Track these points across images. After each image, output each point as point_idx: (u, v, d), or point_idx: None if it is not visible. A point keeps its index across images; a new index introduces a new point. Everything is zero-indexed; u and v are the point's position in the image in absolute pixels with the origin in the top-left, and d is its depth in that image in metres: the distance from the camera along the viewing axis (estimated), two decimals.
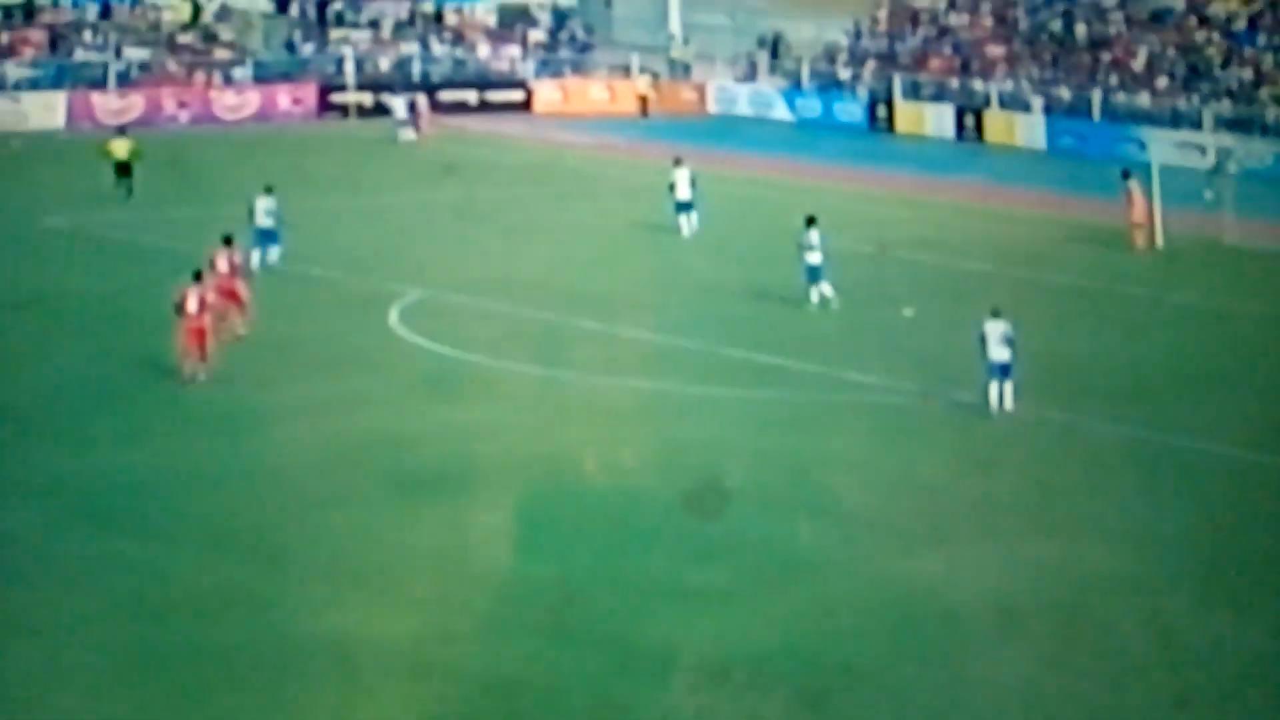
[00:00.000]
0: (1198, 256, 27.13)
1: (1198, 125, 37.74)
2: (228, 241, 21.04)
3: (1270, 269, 26.37)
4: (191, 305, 18.70)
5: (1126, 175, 27.69)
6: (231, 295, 20.56)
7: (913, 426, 17.50)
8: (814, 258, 22.21)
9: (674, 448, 16.49)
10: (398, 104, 39.13)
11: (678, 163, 27.45)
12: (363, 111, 41.81)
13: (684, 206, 27.04)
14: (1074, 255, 27.22)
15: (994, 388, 17.29)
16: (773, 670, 11.54)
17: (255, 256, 23.19)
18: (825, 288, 22.09)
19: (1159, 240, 27.48)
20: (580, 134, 40.25)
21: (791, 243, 23.37)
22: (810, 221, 22.43)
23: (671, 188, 27.29)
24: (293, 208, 28.77)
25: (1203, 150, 35.75)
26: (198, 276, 19.31)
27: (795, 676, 11.48)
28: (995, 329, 17.32)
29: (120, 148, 28.74)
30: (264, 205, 23.71)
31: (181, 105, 38.23)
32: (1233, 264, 26.74)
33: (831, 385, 18.98)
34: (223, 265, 20.66)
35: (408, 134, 38.03)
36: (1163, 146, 32.64)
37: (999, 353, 17.15)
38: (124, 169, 28.42)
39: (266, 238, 23.54)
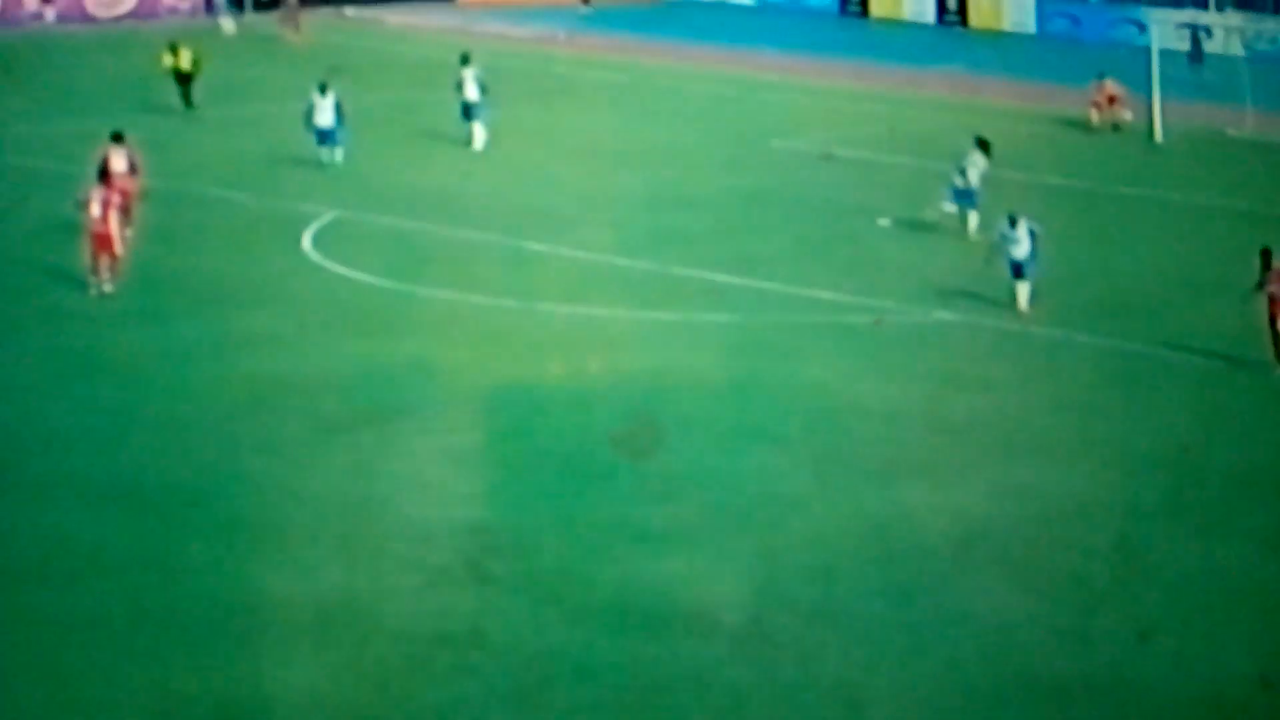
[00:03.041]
0: (1200, 151, 27.77)
1: (1203, 3, 38.17)
2: (117, 139, 21.04)
3: (1276, 163, 27.05)
4: (95, 209, 19.10)
5: (1101, 77, 28.94)
6: (126, 197, 20.63)
7: (882, 348, 18.04)
8: (965, 181, 22.23)
9: (627, 378, 16.89)
10: None
11: (465, 60, 27.30)
12: (259, 5, 41.16)
13: (471, 110, 26.84)
14: (1067, 153, 27.77)
15: (1016, 287, 18.82)
16: (739, 614, 12.11)
17: (324, 154, 24.93)
18: (973, 218, 21.89)
19: (1158, 133, 28.11)
20: (514, 25, 39.97)
21: (744, 146, 23.30)
22: (983, 146, 22.55)
23: (459, 87, 27.07)
24: (179, 117, 28.66)
25: (1208, 31, 36.25)
26: (103, 176, 19.81)
27: (763, 620, 12.06)
28: (1016, 232, 18.85)
29: (183, 58, 29.50)
30: (322, 102, 24.97)
31: (46, 1, 37.41)
32: (1236, 158, 27.37)
33: (799, 305, 19.45)
34: (119, 164, 20.76)
35: (229, 24, 37.08)
36: (1164, 28, 33.06)
37: (1019, 252, 18.79)
38: (184, 79, 29.22)
39: (326, 137, 24.91)
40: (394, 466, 14.73)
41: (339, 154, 24.86)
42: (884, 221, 23.00)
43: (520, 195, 24.60)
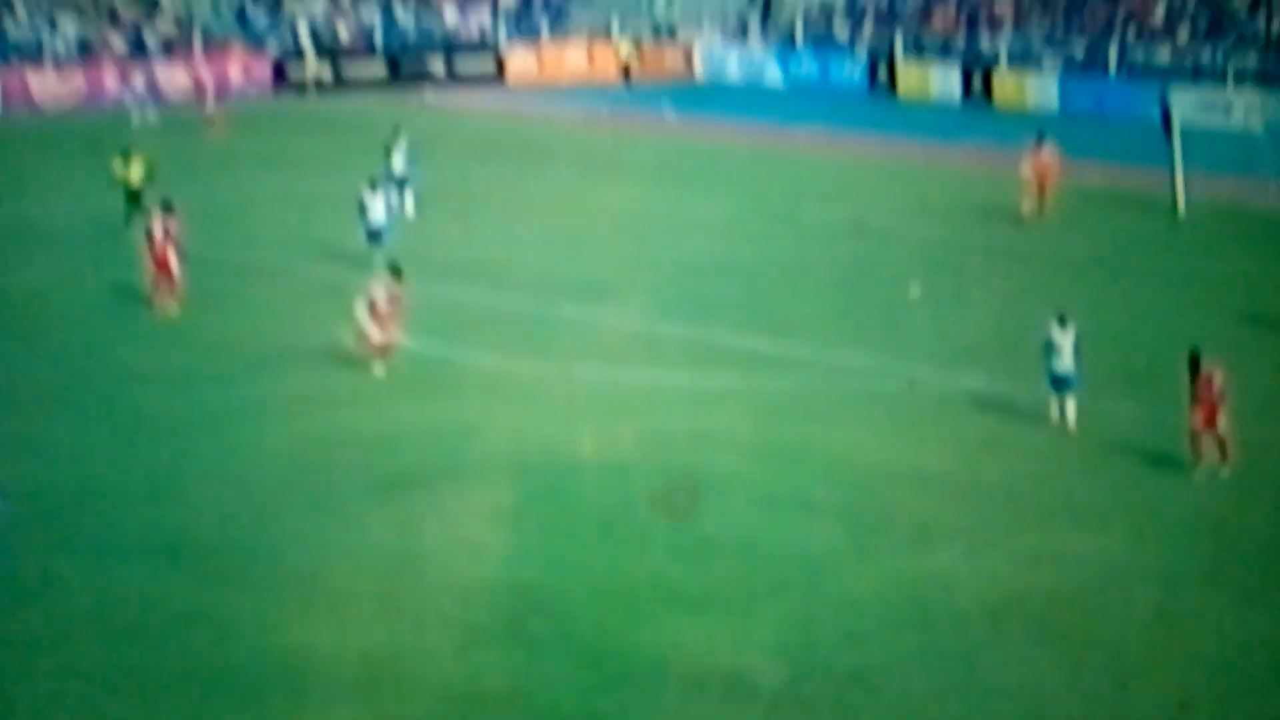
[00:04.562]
0: (1223, 224, 27.33)
1: (1221, 80, 37.89)
2: (167, 208, 21.33)
3: None
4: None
5: (1041, 137, 27.18)
6: (162, 267, 20.77)
7: (915, 413, 17.61)
8: None
9: (664, 442, 16.58)
10: (132, 71, 37.17)
11: (396, 132, 27.17)
12: (320, 85, 41.75)
13: (401, 181, 26.43)
14: (1093, 223, 27.38)
15: (1055, 403, 16.44)
16: (775, 679, 11.67)
17: (374, 255, 22.97)
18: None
19: (1181, 206, 27.67)
20: (561, 104, 40.22)
21: (778, 217, 23.00)
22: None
23: (387, 155, 26.81)
24: (241, 189, 28.87)
25: (1227, 108, 35.92)
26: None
27: (799, 685, 11.61)
28: (1063, 339, 16.38)
29: (133, 172, 25.06)
30: (373, 199, 23.56)
31: (125, 83, 38.03)
32: (1260, 231, 26.93)
33: (832, 371, 19.09)
34: (157, 232, 21.05)
35: (148, 114, 35.47)
36: (1184, 105, 32.74)
37: (1063, 365, 16.40)
38: (133, 195, 24.82)
39: (376, 236, 23.48)
40: (439, 525, 14.43)
41: (383, 254, 23.05)
42: (915, 290, 22.65)
43: (562, 264, 24.45)
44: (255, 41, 42.66)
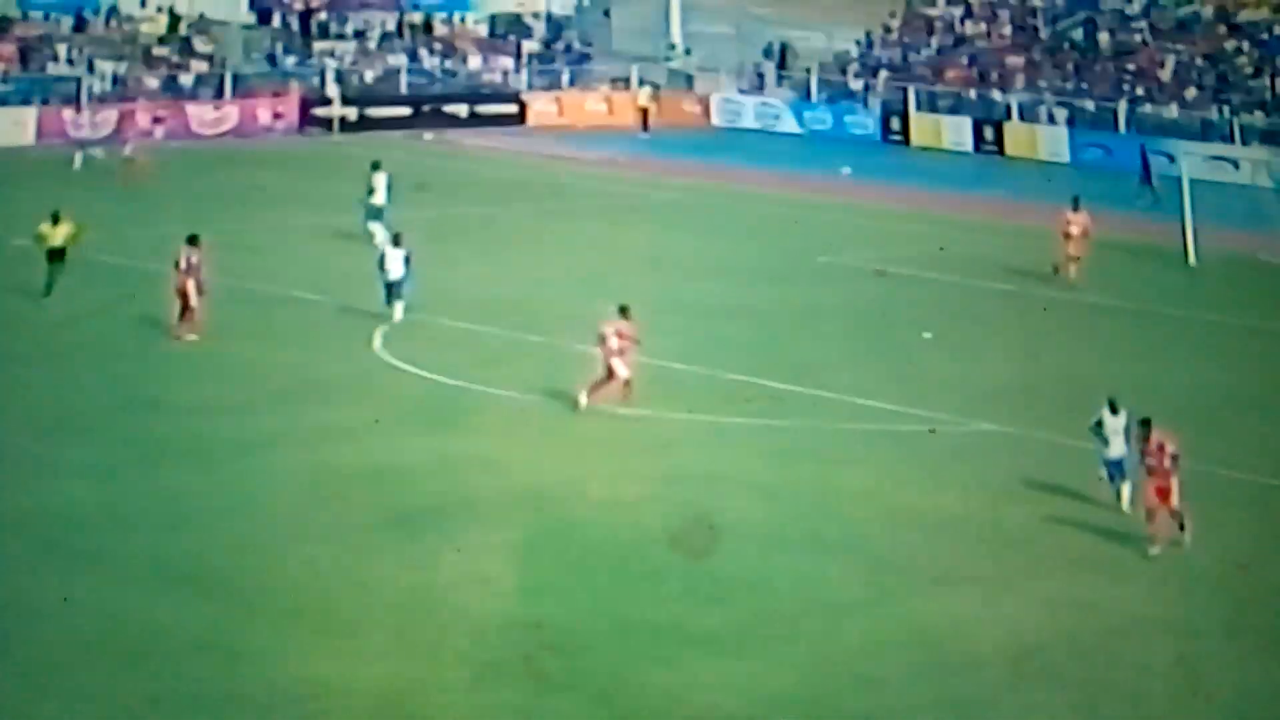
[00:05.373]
0: (1233, 274, 26.99)
1: (1229, 137, 37.69)
2: (192, 241, 21.18)
3: None
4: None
5: (1077, 203, 25.82)
6: (181, 296, 20.78)
7: (933, 457, 17.20)
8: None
9: (678, 480, 16.19)
10: (78, 116, 36.13)
11: (376, 167, 26.89)
12: (346, 125, 41.83)
13: (380, 212, 26.19)
14: (1107, 272, 27.02)
15: (1122, 489, 15.29)
16: None
17: (391, 308, 22.40)
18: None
19: (1191, 257, 27.34)
20: (580, 148, 40.16)
21: (795, 261, 22.74)
22: None
23: (370, 193, 26.61)
24: (267, 225, 28.73)
25: (1235, 164, 35.67)
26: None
27: None
28: (1114, 423, 15.30)
29: (56, 233, 22.54)
30: (394, 253, 22.68)
31: (157, 120, 38.12)
32: (1269, 281, 26.58)
33: (851, 413, 18.70)
34: (181, 263, 20.97)
35: (82, 156, 33.95)
36: (1192, 160, 32.51)
37: (1115, 451, 15.34)
38: (58, 254, 22.52)
39: (394, 289, 22.57)
40: (453, 559, 14.03)
41: (400, 310, 22.37)
42: (927, 334, 22.31)
43: (582, 303, 24.05)
44: (285, 84, 42.80)
